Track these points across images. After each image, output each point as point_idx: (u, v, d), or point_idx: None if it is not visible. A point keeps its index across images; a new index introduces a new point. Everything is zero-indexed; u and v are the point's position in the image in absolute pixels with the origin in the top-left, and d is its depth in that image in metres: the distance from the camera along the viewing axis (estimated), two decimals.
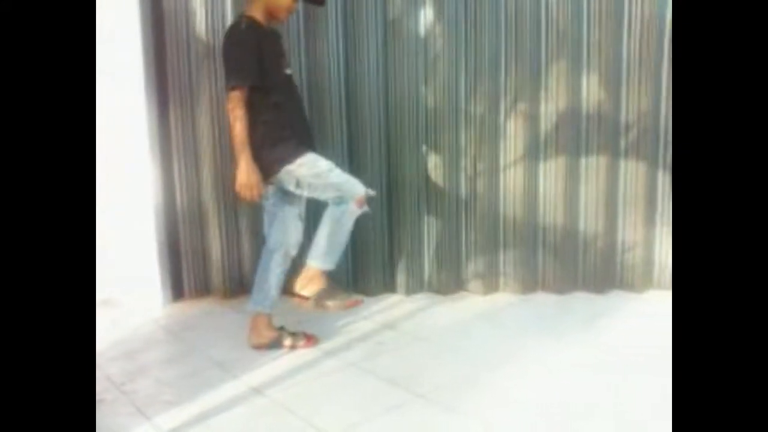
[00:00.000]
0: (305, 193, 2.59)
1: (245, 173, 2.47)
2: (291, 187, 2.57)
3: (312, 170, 2.54)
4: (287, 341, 2.71)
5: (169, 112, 3.25)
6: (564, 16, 3.09)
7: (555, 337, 2.75)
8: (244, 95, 2.46)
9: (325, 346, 2.74)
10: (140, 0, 3.11)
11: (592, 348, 2.64)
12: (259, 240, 3.26)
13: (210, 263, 3.35)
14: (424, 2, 3.13)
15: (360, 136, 3.22)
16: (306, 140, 2.65)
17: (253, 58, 2.45)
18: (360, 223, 3.17)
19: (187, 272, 3.37)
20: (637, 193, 3.20)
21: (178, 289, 3.38)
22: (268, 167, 2.52)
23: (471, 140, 3.21)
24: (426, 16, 3.14)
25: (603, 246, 3.25)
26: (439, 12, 3.12)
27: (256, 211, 3.27)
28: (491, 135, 3.20)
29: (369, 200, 2.61)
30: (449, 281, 3.33)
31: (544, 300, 3.25)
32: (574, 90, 3.14)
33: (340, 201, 2.55)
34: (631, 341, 2.70)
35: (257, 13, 2.55)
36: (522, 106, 3.16)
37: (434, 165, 3.24)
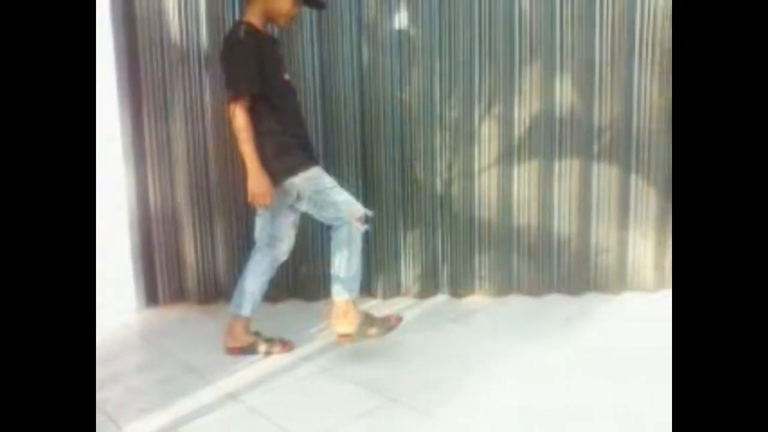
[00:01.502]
0: (303, 207, 2.57)
1: (257, 182, 2.44)
2: (290, 200, 2.55)
3: (315, 186, 2.51)
4: (262, 347, 2.69)
5: (142, 115, 3.22)
6: (537, 21, 3.12)
7: (531, 340, 2.77)
8: (247, 103, 2.43)
9: (301, 351, 2.73)
10: (111, 2, 3.08)
11: (569, 350, 2.66)
12: (243, 244, 3.25)
13: (185, 268, 3.32)
14: (399, 7, 3.14)
15: (335, 140, 3.22)
16: (309, 151, 2.63)
17: (253, 65, 2.42)
18: None
19: (161, 277, 3.33)
20: (611, 195, 3.24)
21: (152, 295, 3.35)
22: (272, 178, 2.48)
23: (446, 144, 3.23)
24: (400, 20, 3.15)
25: (577, 248, 3.28)
26: (413, 16, 3.13)
27: (231, 215, 3.25)
28: (466, 139, 3.21)
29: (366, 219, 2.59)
30: (425, 285, 3.33)
31: (519, 303, 3.27)
32: (547, 94, 3.17)
33: (339, 223, 2.52)
34: (608, 343, 2.73)
35: (255, 19, 2.51)
36: (496, 110, 3.18)
37: (410, 169, 3.25)
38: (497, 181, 3.23)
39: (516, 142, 3.21)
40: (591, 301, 3.25)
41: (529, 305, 3.23)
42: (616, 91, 3.17)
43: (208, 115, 3.20)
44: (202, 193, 3.26)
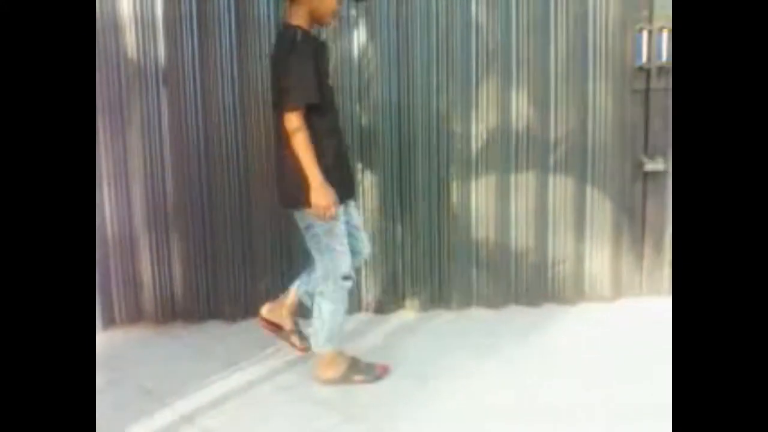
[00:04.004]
0: (306, 236, 2.48)
1: (322, 195, 2.31)
2: (302, 224, 2.48)
3: (329, 226, 2.42)
4: (293, 338, 2.77)
5: (97, 131, 3.16)
6: (493, 35, 3.16)
7: (491, 352, 2.78)
8: (303, 114, 2.31)
9: (259, 370, 2.70)
10: None
11: (529, 361, 2.69)
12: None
13: (141, 289, 3.26)
14: (357, 23, 3.16)
15: None
16: (349, 181, 2.56)
17: (312, 73, 2.30)
18: (292, 242, 3.17)
19: (117, 298, 3.27)
20: (567, 207, 3.29)
21: (108, 316, 3.28)
22: (298, 196, 2.38)
23: (405, 158, 3.24)
24: (359, 36, 3.16)
25: (535, 260, 3.32)
26: (371, 32, 3.15)
27: (188, 234, 3.21)
28: (425, 153, 3.23)
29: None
30: (386, 300, 3.33)
31: (479, 315, 3.28)
32: (504, 107, 3.21)
33: (323, 269, 2.48)
34: (566, 354, 2.77)
35: (302, 21, 2.38)
36: (454, 124, 3.22)
37: (369, 185, 3.25)
38: (456, 195, 3.26)
39: (474, 155, 3.25)
40: (549, 311, 3.29)
41: (489, 317, 3.25)
42: (572, 103, 3.23)
43: (166, 132, 3.16)
44: (159, 212, 3.21)
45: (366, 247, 2.70)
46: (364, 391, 2.49)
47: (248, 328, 3.18)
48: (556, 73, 3.22)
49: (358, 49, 3.18)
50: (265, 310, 2.79)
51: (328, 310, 2.50)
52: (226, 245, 3.23)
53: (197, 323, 3.23)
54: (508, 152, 3.25)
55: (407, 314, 3.32)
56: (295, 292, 2.75)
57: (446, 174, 3.25)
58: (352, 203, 2.63)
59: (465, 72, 3.19)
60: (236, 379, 2.63)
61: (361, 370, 2.58)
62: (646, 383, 2.45)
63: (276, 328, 2.77)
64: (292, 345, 2.78)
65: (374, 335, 3.07)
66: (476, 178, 3.26)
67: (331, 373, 2.54)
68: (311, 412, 2.33)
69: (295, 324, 2.78)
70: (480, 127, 3.23)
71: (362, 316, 3.30)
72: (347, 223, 2.55)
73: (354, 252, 2.58)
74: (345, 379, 2.54)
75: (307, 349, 2.74)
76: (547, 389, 2.44)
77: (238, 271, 3.24)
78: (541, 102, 3.22)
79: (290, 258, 3.23)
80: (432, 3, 3.15)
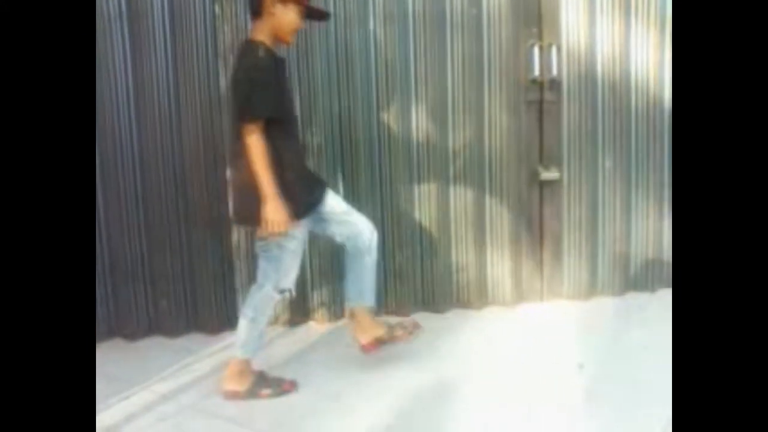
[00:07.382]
0: (257, 248, 2.48)
1: (274, 209, 2.29)
2: (259, 238, 2.45)
3: (283, 240, 2.40)
4: (398, 332, 2.75)
5: None
6: (391, 51, 3.24)
7: (401, 361, 2.82)
8: (263, 128, 2.30)
9: (161, 388, 2.63)
10: None
11: (439, 368, 2.75)
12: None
13: None
14: None
15: (189, 166, 3.15)
16: (311, 192, 2.52)
17: (272, 88, 2.33)
18: (195, 259, 3.12)
19: None
20: (467, 215, 3.40)
21: None
22: (253, 211, 2.34)
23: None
24: None
25: (439, 267, 3.41)
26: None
27: None
28: (328, 164, 3.26)
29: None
30: (294, 312, 3.32)
31: (388, 323, 3.30)
32: (405, 120, 3.30)
33: (264, 283, 2.48)
34: (476, 359, 2.85)
35: (264, 37, 2.39)
36: (356, 135, 3.27)
37: None
38: (362, 205, 3.29)
39: (377, 166, 3.31)
40: (455, 317, 3.37)
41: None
42: (468, 118, 3.35)
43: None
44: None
45: (365, 229, 2.66)
46: (267, 408, 2.47)
47: (149, 345, 3.09)
48: (453, 86, 3.32)
49: None
50: (360, 338, 2.70)
51: (247, 320, 2.51)
52: (126, 261, 3.12)
53: (96, 343, 3.09)
54: (410, 163, 3.33)
55: (316, 326, 3.32)
56: (353, 306, 2.73)
57: (351, 184, 3.29)
58: (329, 195, 2.62)
59: (365, 84, 3.25)
60: (139, 399, 2.55)
61: (268, 384, 2.56)
62: (549, 382, 2.59)
63: (380, 342, 2.70)
64: (401, 339, 2.74)
65: (283, 348, 3.05)
66: (380, 189, 3.32)
67: (237, 386, 2.51)
68: (214, 430, 2.29)
69: (385, 323, 2.77)
70: (382, 138, 3.30)
71: (270, 330, 3.26)
72: (334, 214, 2.61)
73: (351, 236, 2.63)
74: (251, 393, 2.51)
75: (416, 327, 2.79)
76: (458, 395, 2.50)
77: (138, 288, 3.14)
78: (439, 115, 3.33)
79: (192, 275, 3.17)
80: (330, 19, 3.18)
